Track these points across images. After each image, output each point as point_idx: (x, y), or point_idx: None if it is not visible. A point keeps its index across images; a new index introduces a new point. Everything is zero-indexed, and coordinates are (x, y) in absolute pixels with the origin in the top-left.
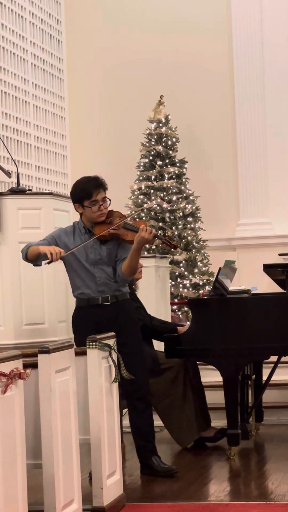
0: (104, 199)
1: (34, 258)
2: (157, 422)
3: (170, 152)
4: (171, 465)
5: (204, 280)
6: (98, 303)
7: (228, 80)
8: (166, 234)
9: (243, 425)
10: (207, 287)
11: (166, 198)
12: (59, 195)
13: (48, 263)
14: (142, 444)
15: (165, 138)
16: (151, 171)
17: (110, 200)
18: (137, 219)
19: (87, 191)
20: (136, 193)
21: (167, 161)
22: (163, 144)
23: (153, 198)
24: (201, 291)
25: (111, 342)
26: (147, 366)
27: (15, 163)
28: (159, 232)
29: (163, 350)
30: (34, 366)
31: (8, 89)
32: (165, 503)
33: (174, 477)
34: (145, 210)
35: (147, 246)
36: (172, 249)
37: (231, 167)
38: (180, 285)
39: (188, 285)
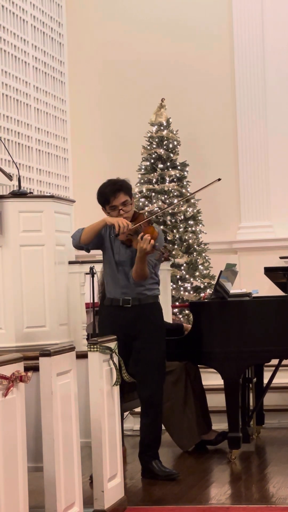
0: (125, 203)
1: (91, 237)
2: None
3: (171, 155)
4: (172, 469)
5: (205, 283)
6: (119, 304)
7: (230, 83)
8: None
9: (244, 428)
10: (208, 290)
11: (167, 201)
12: (61, 198)
13: (115, 236)
14: (144, 449)
15: (166, 141)
16: (152, 174)
17: (131, 202)
18: (151, 224)
19: (105, 196)
20: (137, 196)
21: (168, 164)
22: (164, 147)
23: (154, 201)
24: (202, 294)
25: (112, 345)
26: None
27: (16, 166)
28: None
29: None
30: (35, 369)
31: (10, 92)
32: (166, 506)
33: (175, 479)
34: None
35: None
36: (164, 261)
37: (232, 170)
38: (181, 288)
39: (189, 288)
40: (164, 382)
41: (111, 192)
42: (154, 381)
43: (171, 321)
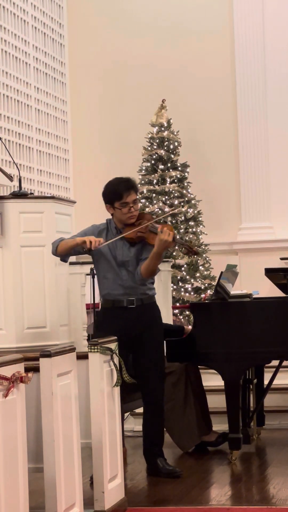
0: (135, 201)
1: (65, 251)
2: None
3: (172, 156)
4: (175, 467)
5: (206, 284)
6: (123, 305)
7: (230, 84)
8: (191, 240)
9: (245, 429)
10: (208, 291)
11: (168, 202)
12: (61, 198)
13: (88, 250)
14: (148, 447)
15: (167, 142)
16: (153, 175)
17: (141, 203)
18: (164, 222)
19: (118, 192)
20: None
21: (169, 165)
22: (165, 148)
23: (155, 202)
24: (202, 295)
25: (113, 346)
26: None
27: (17, 167)
28: (181, 237)
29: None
30: (36, 370)
31: (11, 92)
32: (166, 507)
33: (178, 477)
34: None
35: (169, 249)
36: (194, 255)
37: (233, 171)
38: (182, 289)
39: (190, 289)
40: (164, 380)
41: (125, 189)
42: (156, 378)
43: (171, 323)
